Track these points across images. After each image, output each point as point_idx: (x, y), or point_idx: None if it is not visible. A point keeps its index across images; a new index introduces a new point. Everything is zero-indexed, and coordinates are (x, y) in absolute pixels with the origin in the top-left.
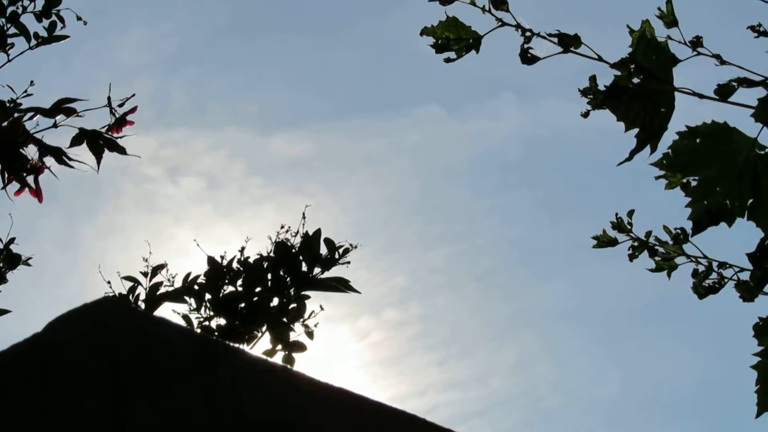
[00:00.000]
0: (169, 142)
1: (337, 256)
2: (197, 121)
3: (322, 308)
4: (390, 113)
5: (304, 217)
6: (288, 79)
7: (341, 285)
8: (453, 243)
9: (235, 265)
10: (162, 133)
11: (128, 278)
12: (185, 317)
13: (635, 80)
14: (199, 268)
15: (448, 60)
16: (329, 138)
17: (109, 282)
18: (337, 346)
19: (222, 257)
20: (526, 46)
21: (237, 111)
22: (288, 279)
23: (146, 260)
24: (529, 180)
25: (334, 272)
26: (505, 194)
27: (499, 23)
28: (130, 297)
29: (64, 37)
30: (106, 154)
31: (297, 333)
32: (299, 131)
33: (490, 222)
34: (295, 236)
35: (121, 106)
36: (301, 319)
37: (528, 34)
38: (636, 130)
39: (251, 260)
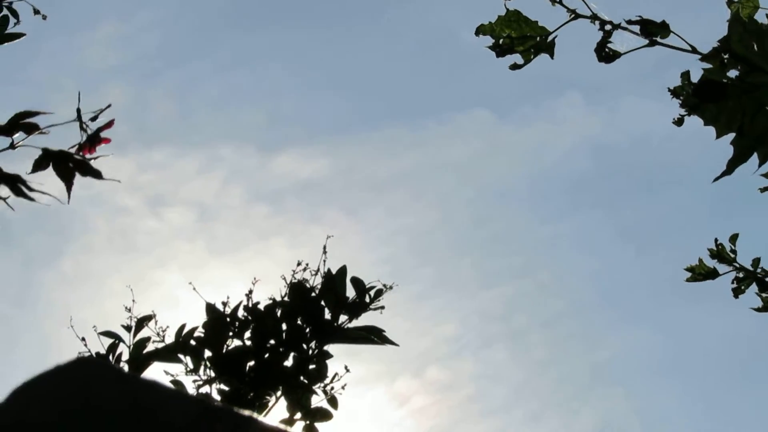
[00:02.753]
0: (149, 164)
1: (368, 299)
2: (184, 138)
3: (347, 369)
4: (427, 121)
5: (324, 252)
6: (298, 82)
7: (374, 336)
8: (512, 281)
9: (241, 313)
10: (140, 153)
11: (107, 334)
12: (175, 382)
13: (732, 73)
14: (194, 320)
15: (514, 67)
16: (351, 153)
17: (83, 339)
18: (370, 414)
19: (224, 304)
20: (604, 40)
21: (234, 123)
22: (308, 329)
23: (129, 310)
24: (604, 200)
25: (364, 320)
26: (576, 218)
27: (572, 15)
28: (110, 357)
29: (19, 35)
30: (78, 179)
31: (320, 397)
32: (313, 146)
33: (558, 254)
34: (315, 276)
35: (94, 119)
36: (323, 382)
37: (608, 27)
38: (732, 136)
39: (261, 307)
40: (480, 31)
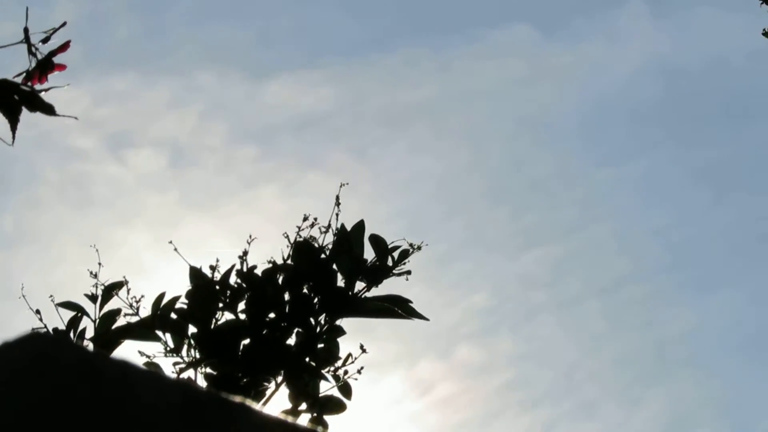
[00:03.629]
0: (108, 95)
1: (391, 262)
2: (152, 62)
3: (363, 350)
4: (455, 39)
5: (338, 204)
6: None
7: (399, 307)
8: (560, 239)
9: (233, 279)
10: (97, 82)
11: (67, 305)
12: (150, 364)
13: None
14: (172, 288)
15: None
16: (360, 81)
17: (37, 312)
18: (386, 405)
19: (213, 268)
20: None
21: (215, 43)
22: (316, 299)
23: (95, 276)
24: (676, 135)
25: (385, 288)
26: (641, 158)
27: None
28: (71, 334)
29: None
30: (25, 115)
31: (329, 384)
32: (313, 72)
33: (616, 203)
34: (325, 233)
35: (45, 42)
36: (334, 365)
37: None
38: None
39: (258, 271)
40: None
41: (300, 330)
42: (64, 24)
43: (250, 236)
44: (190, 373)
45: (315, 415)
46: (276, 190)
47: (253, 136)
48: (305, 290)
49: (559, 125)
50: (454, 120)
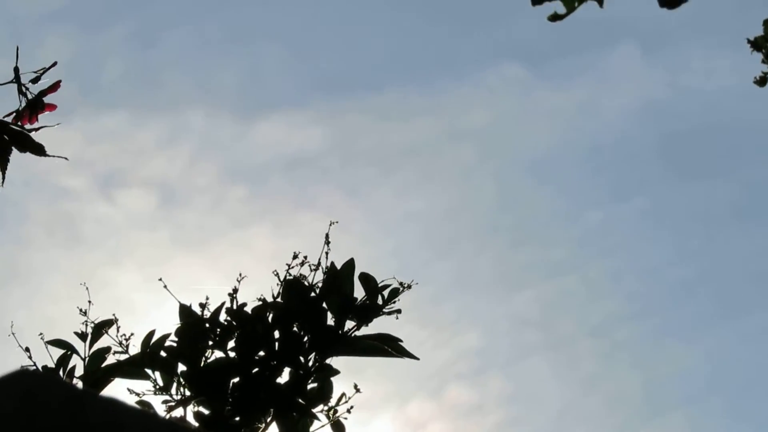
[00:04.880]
0: (98, 134)
1: (381, 300)
2: (143, 101)
3: (357, 389)
4: (446, 79)
5: (327, 242)
6: (284, 32)
7: (389, 346)
8: (551, 278)
9: (223, 317)
10: (88, 121)
11: (57, 343)
12: (141, 403)
13: None
14: (160, 326)
15: (554, 17)
16: (350, 121)
17: (27, 349)
18: None
19: (203, 306)
20: None
21: (205, 83)
22: (306, 337)
23: (85, 313)
24: (667, 176)
25: (375, 326)
26: (632, 199)
27: None
28: (61, 371)
29: None
30: (15, 156)
31: (321, 423)
32: (303, 112)
33: (608, 244)
34: (314, 271)
35: (35, 81)
36: (327, 404)
37: None
38: None
39: (248, 309)
40: None
41: (290, 368)
42: (54, 64)
43: (240, 274)
44: (180, 412)
45: None
46: (266, 229)
47: (243, 176)
48: (295, 328)
49: (548, 166)
50: (444, 159)
